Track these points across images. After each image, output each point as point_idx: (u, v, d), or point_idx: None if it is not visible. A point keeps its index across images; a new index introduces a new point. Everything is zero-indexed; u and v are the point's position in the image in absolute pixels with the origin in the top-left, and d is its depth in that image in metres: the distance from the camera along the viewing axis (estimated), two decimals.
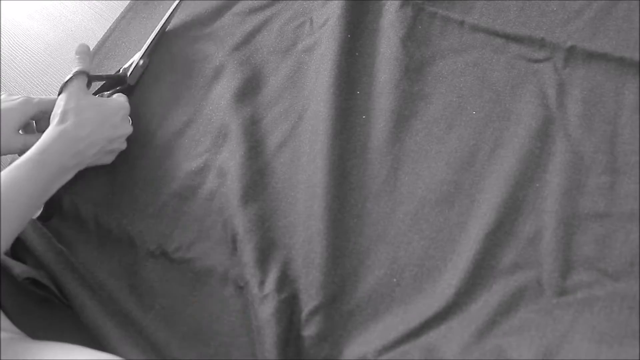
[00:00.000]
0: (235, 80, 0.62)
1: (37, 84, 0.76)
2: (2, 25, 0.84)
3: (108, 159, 0.60)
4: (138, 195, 0.58)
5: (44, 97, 0.58)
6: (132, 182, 0.60)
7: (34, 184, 0.50)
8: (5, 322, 0.50)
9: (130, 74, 0.65)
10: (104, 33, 0.75)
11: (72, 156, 0.53)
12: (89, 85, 0.60)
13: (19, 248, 0.56)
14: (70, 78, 0.57)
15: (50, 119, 0.55)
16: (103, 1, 0.82)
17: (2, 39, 0.83)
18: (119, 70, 0.67)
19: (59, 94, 0.56)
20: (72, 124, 0.53)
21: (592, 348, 0.41)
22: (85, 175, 0.58)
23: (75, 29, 0.81)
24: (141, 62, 0.66)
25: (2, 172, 0.49)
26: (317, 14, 0.65)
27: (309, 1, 0.66)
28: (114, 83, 0.66)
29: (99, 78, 0.65)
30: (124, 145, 0.61)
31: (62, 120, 0.54)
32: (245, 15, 0.68)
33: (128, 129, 0.61)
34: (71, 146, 0.53)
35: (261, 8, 0.68)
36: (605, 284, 0.44)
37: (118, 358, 0.42)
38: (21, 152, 0.54)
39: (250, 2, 0.69)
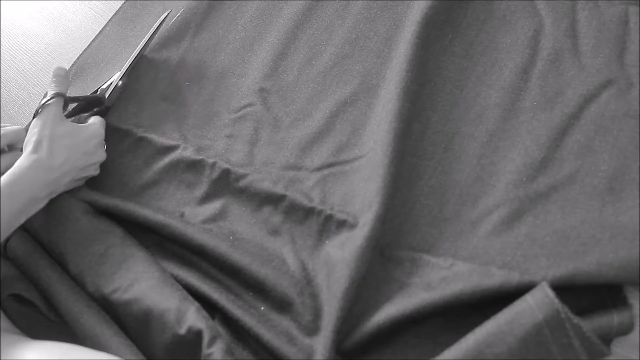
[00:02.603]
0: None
1: (37, 84, 0.76)
2: (2, 25, 0.84)
3: (78, 184, 0.59)
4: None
5: (8, 127, 0.56)
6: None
7: (3, 215, 0.48)
8: (5, 322, 0.50)
9: (109, 95, 0.65)
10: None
11: (45, 186, 0.52)
12: (65, 107, 0.59)
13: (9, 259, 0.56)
14: (47, 101, 0.55)
15: (24, 146, 0.53)
16: (103, 1, 0.82)
17: (2, 39, 0.83)
18: (97, 90, 0.67)
19: (33, 117, 0.55)
20: (45, 153, 0.52)
21: None
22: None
23: (75, 29, 0.81)
24: (120, 82, 0.66)
25: None
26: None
27: None
28: (91, 104, 0.66)
29: (75, 100, 0.64)
30: (96, 172, 0.61)
31: (36, 149, 0.52)
32: None
33: (102, 156, 0.60)
34: (43, 176, 0.52)
35: None
36: None
37: (119, 358, 0.42)
38: None
39: None
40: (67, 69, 0.60)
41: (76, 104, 0.65)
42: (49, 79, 0.59)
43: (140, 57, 0.69)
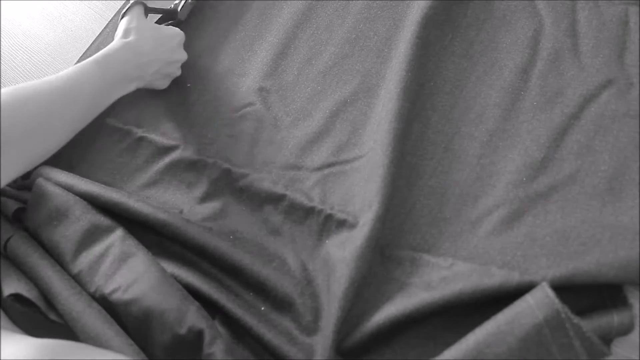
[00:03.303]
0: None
1: None
2: (2, 25, 0.84)
3: (164, 84, 0.65)
4: None
5: None
6: None
7: (96, 83, 0.54)
8: (6, 322, 0.50)
9: (181, 9, 0.70)
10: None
11: (135, 67, 0.58)
12: (145, 14, 0.64)
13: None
14: (129, 7, 0.61)
15: (114, 36, 0.59)
16: (103, 1, 0.82)
17: (2, 39, 0.83)
18: (171, 6, 0.72)
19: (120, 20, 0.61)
20: (135, 39, 0.58)
21: None
22: None
23: (75, 29, 0.81)
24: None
25: (65, 71, 0.52)
26: None
27: None
28: (166, 17, 0.71)
29: (154, 10, 0.68)
30: (178, 72, 0.66)
31: (126, 35, 0.59)
32: None
33: (184, 55, 0.65)
34: (134, 58, 0.58)
35: None
36: None
37: (125, 357, 0.42)
38: None
39: None
40: None
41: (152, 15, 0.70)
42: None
43: None
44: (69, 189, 0.57)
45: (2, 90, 0.47)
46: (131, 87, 0.59)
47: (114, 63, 0.55)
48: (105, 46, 0.72)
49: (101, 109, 0.57)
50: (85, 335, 0.48)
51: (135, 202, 0.55)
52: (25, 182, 0.59)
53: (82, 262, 0.53)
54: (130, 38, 0.58)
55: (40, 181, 0.57)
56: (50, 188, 0.56)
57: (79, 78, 0.52)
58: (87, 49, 0.76)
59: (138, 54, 0.58)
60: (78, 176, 0.58)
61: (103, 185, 0.58)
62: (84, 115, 0.55)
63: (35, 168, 0.59)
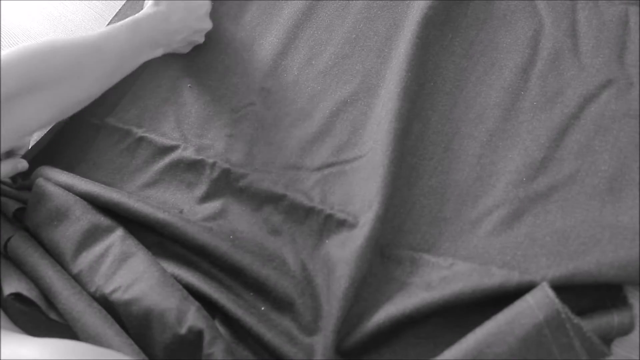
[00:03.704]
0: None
1: None
2: (2, 25, 0.84)
3: (186, 49, 0.68)
4: None
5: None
6: None
7: (125, 45, 0.58)
8: (6, 322, 0.50)
9: None
10: None
11: (163, 33, 0.61)
12: None
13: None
14: None
15: (143, 5, 0.63)
16: (103, 1, 0.82)
17: (2, 39, 0.83)
18: None
19: None
20: (165, 7, 0.61)
21: None
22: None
23: (75, 29, 0.81)
24: None
25: (98, 30, 0.56)
26: None
27: None
28: None
29: None
30: (202, 39, 0.68)
31: (156, 3, 0.61)
32: None
33: (209, 24, 0.68)
34: (163, 25, 0.61)
35: None
36: None
37: (127, 357, 0.42)
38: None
39: None
40: None
41: None
42: None
43: None
44: (69, 189, 0.57)
45: (42, 39, 0.53)
46: (158, 53, 0.63)
47: (143, 28, 0.59)
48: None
49: (129, 70, 0.61)
50: (86, 334, 0.48)
51: (136, 202, 0.55)
52: (25, 182, 0.59)
53: (82, 262, 0.53)
54: (161, 7, 0.61)
55: (40, 181, 0.57)
56: (50, 188, 0.56)
57: (108, 39, 0.56)
58: None
59: (167, 21, 0.61)
60: (78, 176, 0.58)
61: (103, 185, 0.58)
62: (112, 73, 0.59)
63: (34, 170, 0.60)
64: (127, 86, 0.69)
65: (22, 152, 0.62)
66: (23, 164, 0.60)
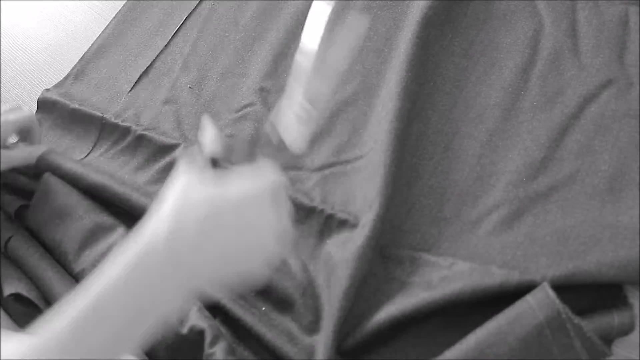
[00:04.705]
0: None
1: (37, 84, 0.76)
2: (2, 25, 0.84)
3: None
4: None
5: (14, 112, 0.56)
6: None
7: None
8: (6, 322, 0.50)
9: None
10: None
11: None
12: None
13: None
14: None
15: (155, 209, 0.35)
16: (103, 1, 0.82)
17: (2, 39, 0.83)
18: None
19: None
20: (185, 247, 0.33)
21: None
22: None
23: (75, 29, 0.81)
24: None
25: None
26: None
27: None
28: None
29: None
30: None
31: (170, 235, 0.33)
32: None
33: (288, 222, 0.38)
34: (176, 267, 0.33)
35: None
36: None
37: (134, 358, 0.42)
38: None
39: None
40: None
41: None
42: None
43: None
44: (76, 179, 0.58)
45: None
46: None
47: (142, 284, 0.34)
48: (104, 50, 0.72)
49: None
50: None
51: (140, 197, 0.55)
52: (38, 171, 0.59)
53: (85, 260, 0.53)
54: (175, 241, 0.33)
55: (47, 177, 0.57)
56: (55, 186, 0.56)
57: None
58: (87, 49, 0.76)
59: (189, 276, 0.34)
60: (88, 164, 0.59)
61: (110, 176, 0.58)
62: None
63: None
64: (127, 86, 0.69)
65: (37, 138, 0.61)
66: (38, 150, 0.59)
